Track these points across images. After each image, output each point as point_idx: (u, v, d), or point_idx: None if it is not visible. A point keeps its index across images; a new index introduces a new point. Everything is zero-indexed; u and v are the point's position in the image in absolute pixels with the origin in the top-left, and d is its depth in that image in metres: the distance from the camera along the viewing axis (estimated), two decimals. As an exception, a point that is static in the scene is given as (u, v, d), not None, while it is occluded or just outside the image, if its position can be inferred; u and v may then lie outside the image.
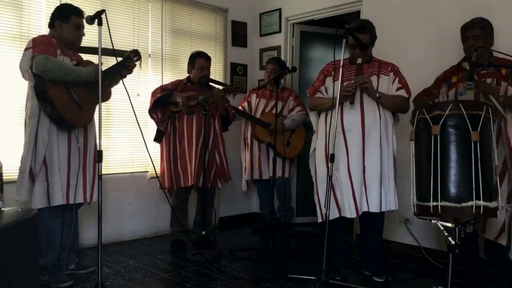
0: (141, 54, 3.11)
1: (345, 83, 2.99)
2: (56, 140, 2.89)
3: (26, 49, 2.84)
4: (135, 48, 3.14)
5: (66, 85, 2.86)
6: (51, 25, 2.99)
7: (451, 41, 3.40)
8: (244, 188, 4.61)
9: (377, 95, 2.99)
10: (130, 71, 3.08)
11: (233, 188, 4.82)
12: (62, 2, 3.62)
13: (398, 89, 3.06)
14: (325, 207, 2.81)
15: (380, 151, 2.99)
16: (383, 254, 3.34)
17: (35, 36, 3.46)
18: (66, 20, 2.95)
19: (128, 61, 3.03)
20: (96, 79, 2.58)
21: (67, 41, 2.99)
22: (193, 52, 3.98)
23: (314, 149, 3.21)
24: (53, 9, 3.05)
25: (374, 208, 2.98)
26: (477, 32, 2.97)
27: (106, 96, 3.15)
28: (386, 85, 3.06)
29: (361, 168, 2.99)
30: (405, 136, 2.91)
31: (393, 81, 3.08)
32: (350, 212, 3.00)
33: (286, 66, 4.49)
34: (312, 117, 3.29)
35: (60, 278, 2.94)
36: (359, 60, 3.02)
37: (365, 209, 2.99)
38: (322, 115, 3.18)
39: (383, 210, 3.00)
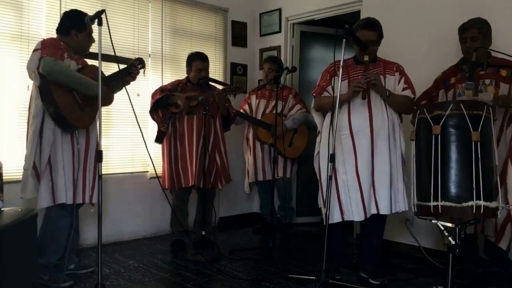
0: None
1: (356, 80, 2.96)
2: (60, 140, 2.90)
3: (34, 50, 2.86)
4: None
5: (71, 87, 2.87)
6: (64, 32, 2.97)
7: (451, 41, 3.39)
8: (247, 190, 4.60)
9: (387, 93, 2.94)
10: (134, 78, 3.10)
11: (234, 188, 4.81)
12: (62, 4, 3.62)
13: (404, 89, 3.02)
14: (325, 207, 2.80)
15: (389, 152, 2.96)
16: (381, 256, 3.31)
17: (34, 36, 3.51)
18: (83, 29, 2.96)
19: (132, 68, 3.04)
20: (96, 94, 2.59)
21: (80, 49, 3.02)
22: (190, 53, 3.95)
23: (319, 151, 3.15)
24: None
25: (384, 211, 2.95)
26: (475, 33, 2.95)
27: (108, 101, 3.15)
28: (392, 85, 3.03)
29: (370, 170, 2.95)
30: (406, 136, 2.90)
31: (399, 81, 3.05)
32: (358, 215, 2.97)
33: (282, 64, 4.51)
34: (317, 118, 3.21)
35: (60, 278, 2.94)
36: (366, 58, 2.97)
37: (374, 211, 2.95)
38: (328, 116, 3.09)
39: (393, 211, 2.97)
